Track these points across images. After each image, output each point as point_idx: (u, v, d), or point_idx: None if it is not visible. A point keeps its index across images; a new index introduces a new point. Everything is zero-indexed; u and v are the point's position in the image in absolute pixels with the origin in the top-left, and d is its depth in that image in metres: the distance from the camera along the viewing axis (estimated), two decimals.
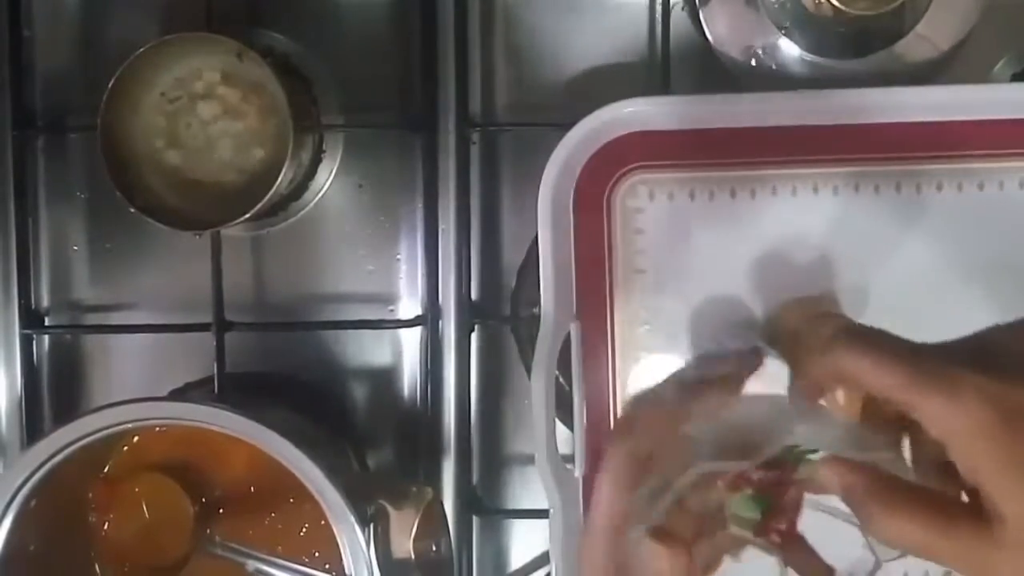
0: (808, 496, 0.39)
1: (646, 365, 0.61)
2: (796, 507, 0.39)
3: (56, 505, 0.59)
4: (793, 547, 0.39)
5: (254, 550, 0.60)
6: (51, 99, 0.70)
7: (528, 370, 0.63)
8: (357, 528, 0.55)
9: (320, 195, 0.70)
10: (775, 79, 0.64)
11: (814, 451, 0.39)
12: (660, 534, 0.37)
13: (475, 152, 0.68)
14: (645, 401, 0.42)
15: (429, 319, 0.68)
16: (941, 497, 0.35)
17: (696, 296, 0.61)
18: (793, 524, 0.39)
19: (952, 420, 0.33)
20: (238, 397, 0.66)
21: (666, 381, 0.43)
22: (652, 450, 0.39)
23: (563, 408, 0.61)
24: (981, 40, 0.64)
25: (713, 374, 0.45)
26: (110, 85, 0.60)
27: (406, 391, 0.70)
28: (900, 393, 0.35)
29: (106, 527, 0.63)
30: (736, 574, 0.41)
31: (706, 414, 0.40)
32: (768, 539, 0.38)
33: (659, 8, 0.66)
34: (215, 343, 0.66)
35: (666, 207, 0.62)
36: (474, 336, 0.69)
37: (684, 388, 0.42)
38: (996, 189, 0.61)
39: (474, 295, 0.69)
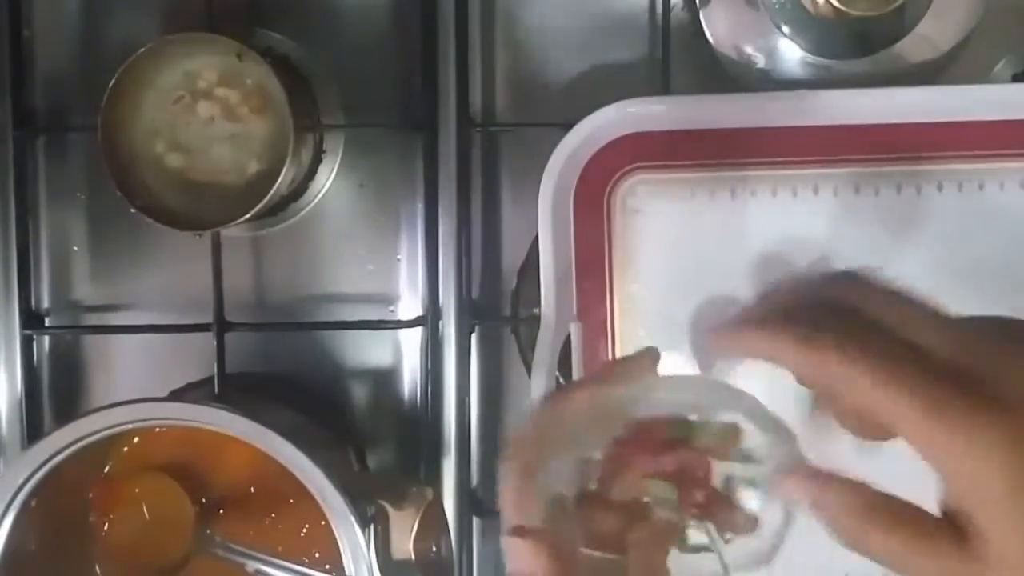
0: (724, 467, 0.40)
1: None
2: (707, 475, 0.40)
3: (56, 505, 0.59)
4: (718, 510, 0.40)
5: (254, 550, 0.60)
6: (51, 99, 0.70)
7: (528, 370, 0.63)
8: (357, 528, 0.55)
9: (320, 195, 0.70)
10: (775, 79, 0.64)
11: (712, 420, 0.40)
12: (518, 531, 0.37)
13: (475, 152, 0.68)
14: (520, 419, 0.42)
15: (429, 319, 0.68)
16: (915, 510, 0.34)
17: (696, 296, 0.61)
18: (710, 491, 0.40)
19: (964, 460, 0.32)
20: (238, 397, 0.66)
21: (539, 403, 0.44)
22: (536, 458, 0.39)
23: None
24: (981, 40, 0.64)
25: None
26: (110, 85, 0.60)
27: (406, 391, 0.70)
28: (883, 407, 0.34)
29: (106, 527, 0.63)
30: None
31: (581, 406, 0.40)
32: (691, 513, 0.39)
33: (659, 8, 0.66)
34: (215, 343, 0.66)
35: (666, 207, 0.62)
36: (474, 336, 0.69)
37: (554, 393, 0.42)
38: (996, 189, 0.61)
39: (474, 295, 0.69)
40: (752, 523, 0.41)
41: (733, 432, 0.40)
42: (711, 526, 0.40)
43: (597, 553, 0.39)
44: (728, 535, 0.40)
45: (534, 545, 0.37)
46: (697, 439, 0.40)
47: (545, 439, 0.40)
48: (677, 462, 0.39)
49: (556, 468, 0.39)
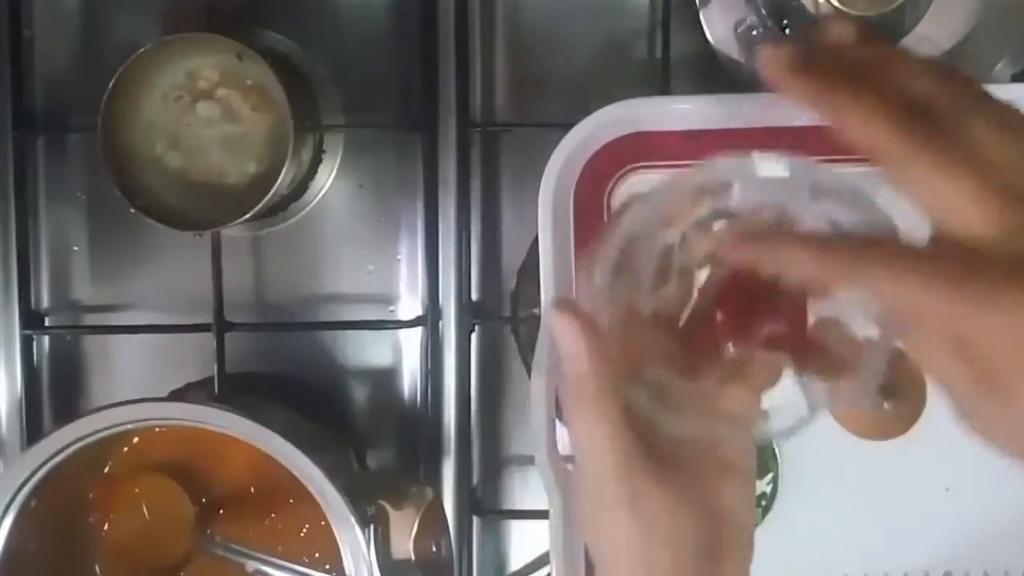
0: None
1: None
2: (801, 311, 0.37)
3: (56, 505, 0.59)
4: (810, 352, 0.37)
5: (254, 550, 0.60)
6: (51, 99, 0.70)
7: (528, 370, 0.63)
8: (357, 528, 0.55)
9: (320, 195, 0.70)
10: None
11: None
12: (562, 304, 0.36)
13: (475, 152, 0.68)
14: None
15: (429, 319, 0.68)
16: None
17: None
18: (800, 329, 0.37)
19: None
20: (238, 397, 0.66)
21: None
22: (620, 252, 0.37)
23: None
24: (981, 40, 0.64)
25: None
26: (110, 85, 0.60)
27: (406, 391, 0.70)
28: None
29: (106, 527, 0.63)
30: None
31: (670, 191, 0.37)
32: (781, 354, 0.37)
33: (659, 8, 0.66)
34: (215, 343, 0.66)
35: None
36: (474, 336, 0.69)
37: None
38: None
39: (474, 295, 0.69)
40: (848, 366, 0.37)
41: None
42: (799, 366, 0.37)
43: (665, 370, 0.37)
44: (820, 379, 0.37)
45: (573, 319, 0.35)
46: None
47: (630, 229, 0.37)
48: (773, 323, 0.36)
49: (615, 245, 0.36)
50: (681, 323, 0.39)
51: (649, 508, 0.36)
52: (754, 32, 0.64)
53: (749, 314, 0.37)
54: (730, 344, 0.37)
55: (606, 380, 0.36)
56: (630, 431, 0.36)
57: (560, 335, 0.36)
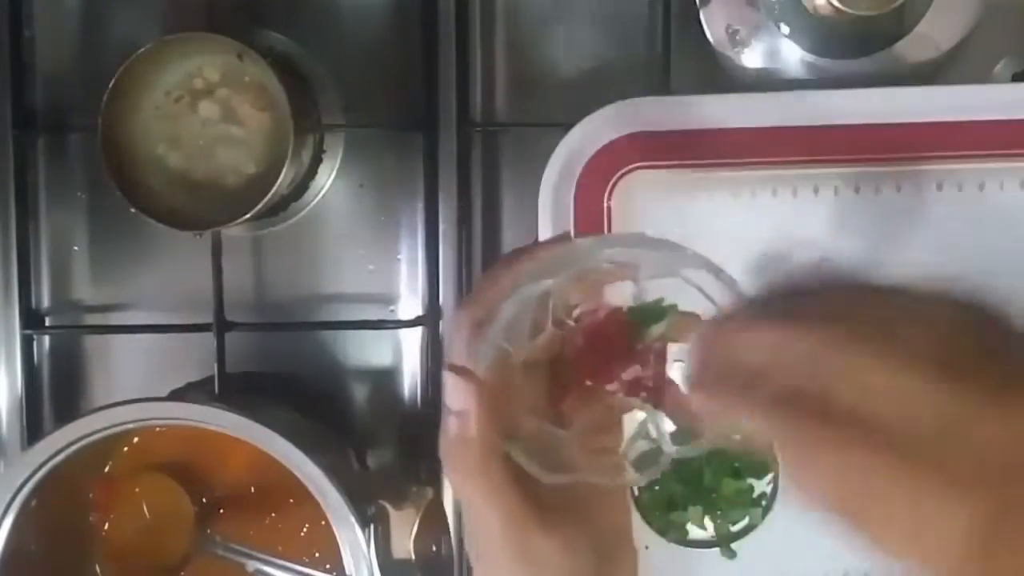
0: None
1: None
2: (661, 359, 0.39)
3: (56, 505, 0.59)
4: (667, 396, 0.39)
5: (254, 550, 0.60)
6: (51, 99, 0.70)
7: None
8: (357, 528, 0.55)
9: (320, 195, 0.70)
10: (775, 79, 0.64)
11: (671, 305, 0.39)
12: (454, 368, 0.37)
13: (475, 152, 0.68)
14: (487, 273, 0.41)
15: (429, 319, 0.68)
16: None
17: None
18: (661, 375, 0.39)
19: None
20: (238, 397, 0.66)
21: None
22: (490, 308, 0.38)
23: None
24: (981, 40, 0.64)
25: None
26: (110, 85, 0.60)
27: (406, 391, 0.70)
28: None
29: (106, 527, 0.63)
30: None
31: (540, 254, 0.39)
32: (639, 396, 0.39)
33: (659, 8, 0.66)
34: (215, 343, 0.66)
35: (666, 207, 0.62)
36: None
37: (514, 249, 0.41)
38: (996, 189, 0.61)
39: None
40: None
41: (694, 320, 0.39)
42: (653, 409, 0.39)
43: (537, 420, 0.38)
44: (671, 425, 0.40)
45: (468, 383, 0.36)
46: (656, 330, 0.39)
47: (500, 288, 0.39)
48: (634, 368, 0.39)
49: (507, 313, 0.38)
50: (552, 368, 0.40)
51: (540, 556, 0.37)
52: (746, 32, 0.64)
53: (613, 359, 0.39)
54: (593, 385, 0.39)
55: (491, 441, 0.36)
56: (515, 488, 0.36)
57: (450, 395, 0.37)
